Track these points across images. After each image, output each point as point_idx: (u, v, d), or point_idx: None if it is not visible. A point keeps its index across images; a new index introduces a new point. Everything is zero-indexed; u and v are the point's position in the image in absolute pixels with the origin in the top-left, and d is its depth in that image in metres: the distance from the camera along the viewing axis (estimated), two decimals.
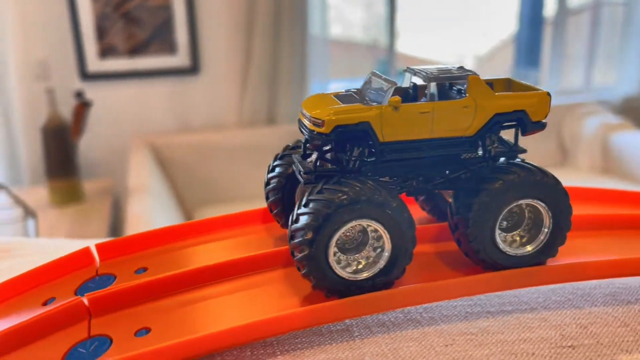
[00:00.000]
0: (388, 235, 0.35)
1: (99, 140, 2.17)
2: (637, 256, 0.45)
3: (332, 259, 0.35)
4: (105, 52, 2.16)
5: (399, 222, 0.35)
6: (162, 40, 2.21)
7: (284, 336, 0.39)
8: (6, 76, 2.07)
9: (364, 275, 0.36)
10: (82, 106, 1.80)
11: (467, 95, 0.37)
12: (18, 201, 1.29)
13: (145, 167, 1.91)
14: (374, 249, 0.37)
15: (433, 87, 0.38)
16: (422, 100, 0.40)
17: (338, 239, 0.35)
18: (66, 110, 1.85)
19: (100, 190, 1.98)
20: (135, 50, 2.19)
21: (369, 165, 0.37)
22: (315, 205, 0.34)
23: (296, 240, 0.34)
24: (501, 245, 0.39)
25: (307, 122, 0.37)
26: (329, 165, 0.38)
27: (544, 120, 0.40)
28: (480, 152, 0.40)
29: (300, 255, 0.34)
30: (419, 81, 0.42)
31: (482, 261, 0.40)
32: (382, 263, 0.36)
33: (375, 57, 2.83)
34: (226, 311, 0.36)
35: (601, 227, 0.48)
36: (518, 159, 0.44)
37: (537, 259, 0.41)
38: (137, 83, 2.22)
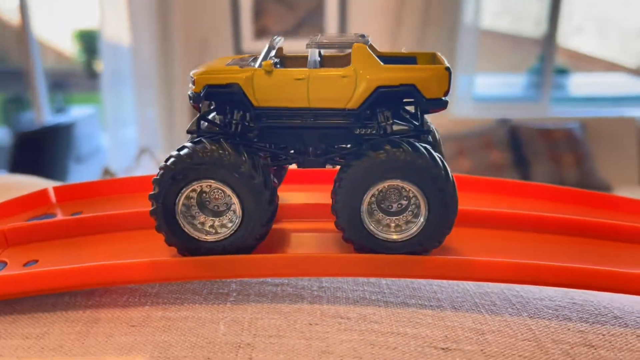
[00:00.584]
0: (237, 199, 0.36)
1: None
2: (543, 262, 0.38)
3: (180, 217, 0.36)
4: (259, 33, 2.33)
5: (248, 187, 0.35)
6: (312, 25, 2.31)
7: (163, 290, 0.42)
8: (171, 53, 2.33)
9: (213, 237, 0.37)
10: None
11: (349, 65, 0.36)
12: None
13: None
14: (215, 214, 0.37)
15: (314, 54, 0.37)
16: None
17: (193, 198, 0.36)
18: None
19: None
20: (286, 33, 2.32)
21: (251, 131, 0.37)
22: (167, 162, 0.35)
23: (150, 193, 0.36)
24: (370, 226, 0.37)
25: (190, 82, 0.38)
26: (222, 122, 0.39)
27: (443, 98, 0.36)
28: (377, 125, 0.38)
29: (151, 208, 0.36)
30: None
31: (349, 241, 0.38)
32: (233, 227, 0.36)
33: (529, 51, 2.63)
34: (101, 255, 0.40)
35: (537, 229, 0.42)
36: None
37: (413, 248, 0.37)
38: None
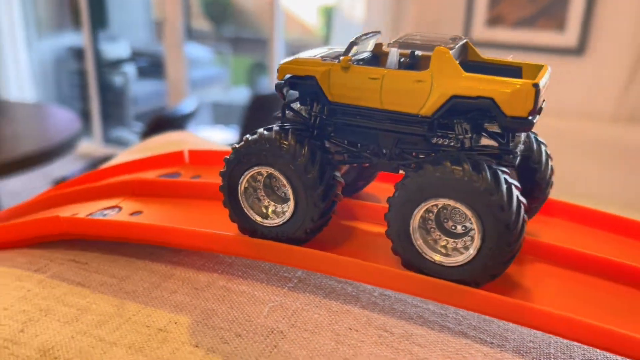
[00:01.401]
0: (291, 190, 0.35)
1: None
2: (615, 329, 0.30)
3: (242, 197, 0.37)
4: (493, 21, 2.22)
5: (302, 180, 0.35)
6: (552, 15, 2.12)
7: (237, 262, 0.44)
8: (402, 32, 2.35)
9: (268, 222, 0.37)
10: None
11: (428, 69, 0.33)
12: None
13: None
14: (282, 200, 0.37)
15: (394, 54, 0.34)
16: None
17: (259, 181, 0.37)
18: None
19: None
20: (521, 23, 2.17)
21: (329, 125, 0.37)
22: (237, 144, 0.37)
23: (220, 171, 0.38)
24: (419, 243, 0.33)
25: None
26: (303, 112, 0.39)
27: (528, 117, 0.31)
28: (454, 136, 0.34)
29: (220, 184, 0.38)
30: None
31: (397, 253, 0.35)
32: (285, 216, 0.36)
33: None
34: (193, 218, 0.44)
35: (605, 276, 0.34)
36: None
37: (461, 276, 0.33)
38: (517, 57, 2.20)
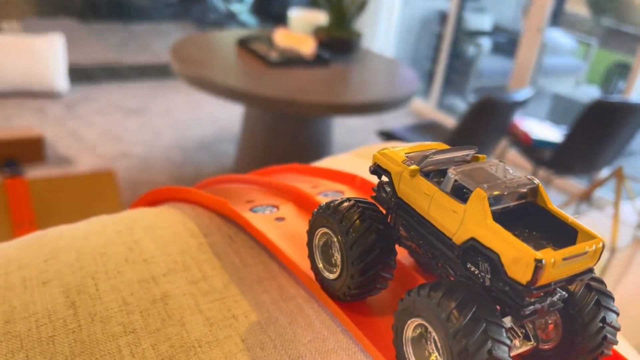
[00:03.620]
0: (339, 256, 0.36)
1: None
2: None
3: (316, 249, 0.39)
4: None
5: (347, 253, 0.34)
6: None
7: None
8: None
9: (327, 275, 0.37)
10: None
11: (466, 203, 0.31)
12: None
13: None
14: (333, 257, 0.37)
15: (450, 180, 0.32)
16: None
17: (323, 238, 0.38)
18: None
19: None
20: None
21: (398, 215, 0.37)
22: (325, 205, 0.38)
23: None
24: (411, 357, 0.32)
25: None
26: (384, 196, 0.39)
27: (524, 284, 0.26)
28: (477, 272, 0.31)
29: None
30: None
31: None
32: (335, 276, 0.36)
33: None
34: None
35: None
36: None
37: None
38: None
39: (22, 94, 2.93)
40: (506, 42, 3.42)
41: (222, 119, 3.07)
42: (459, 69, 3.43)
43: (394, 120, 3.41)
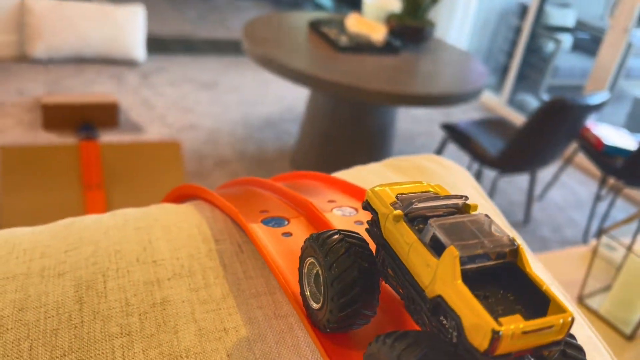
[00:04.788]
0: (323, 288, 0.34)
1: None
2: None
3: (304, 278, 0.37)
4: None
5: (330, 275, 0.33)
6: None
7: None
8: None
9: (312, 304, 0.36)
10: None
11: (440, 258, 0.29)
12: None
13: None
14: (320, 287, 0.35)
15: (429, 231, 0.30)
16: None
17: (311, 268, 0.36)
18: None
19: None
20: None
21: (384, 254, 0.35)
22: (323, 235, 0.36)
23: None
24: None
25: None
26: (375, 231, 0.37)
27: (481, 351, 0.24)
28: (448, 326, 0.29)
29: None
30: None
31: None
32: (317, 306, 0.35)
33: None
34: None
35: None
36: None
37: None
38: None
39: (103, 60, 3.06)
40: (588, 40, 3.25)
41: (288, 99, 3.09)
42: (534, 65, 3.29)
43: (460, 112, 3.33)
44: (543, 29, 3.26)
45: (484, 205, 0.51)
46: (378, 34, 2.25)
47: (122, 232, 0.36)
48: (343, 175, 0.50)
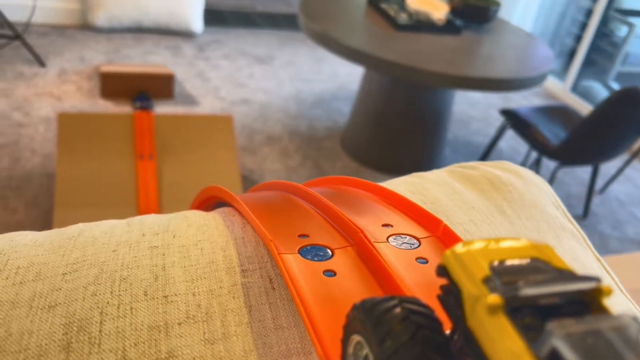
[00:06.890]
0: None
1: None
2: None
3: (349, 353, 0.28)
4: None
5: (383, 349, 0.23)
6: None
7: None
8: None
9: None
10: None
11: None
12: None
13: None
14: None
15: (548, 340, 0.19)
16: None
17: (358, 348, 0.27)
18: None
19: None
20: None
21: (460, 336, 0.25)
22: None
23: None
24: None
25: None
26: (452, 302, 0.27)
27: None
28: None
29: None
30: None
31: None
32: None
33: None
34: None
35: None
36: None
37: None
38: None
39: (161, 31, 3.04)
40: None
41: (342, 76, 2.99)
42: (603, 50, 3.06)
43: (520, 97, 3.14)
44: (615, 11, 3.01)
45: (568, 229, 0.42)
46: (439, 12, 2.11)
47: (134, 251, 0.29)
48: (399, 185, 0.41)
